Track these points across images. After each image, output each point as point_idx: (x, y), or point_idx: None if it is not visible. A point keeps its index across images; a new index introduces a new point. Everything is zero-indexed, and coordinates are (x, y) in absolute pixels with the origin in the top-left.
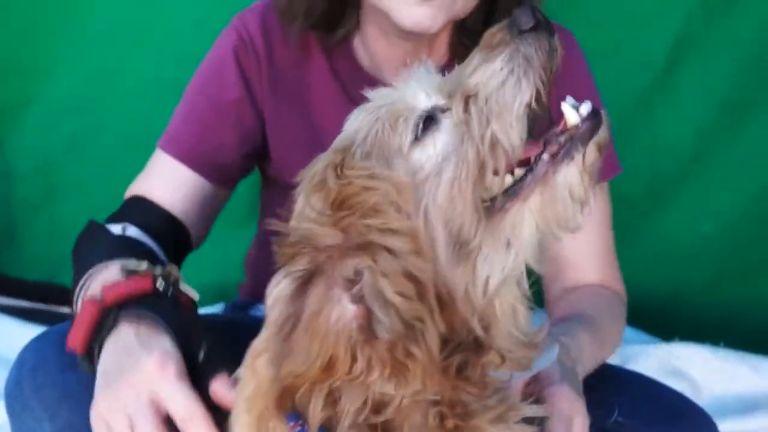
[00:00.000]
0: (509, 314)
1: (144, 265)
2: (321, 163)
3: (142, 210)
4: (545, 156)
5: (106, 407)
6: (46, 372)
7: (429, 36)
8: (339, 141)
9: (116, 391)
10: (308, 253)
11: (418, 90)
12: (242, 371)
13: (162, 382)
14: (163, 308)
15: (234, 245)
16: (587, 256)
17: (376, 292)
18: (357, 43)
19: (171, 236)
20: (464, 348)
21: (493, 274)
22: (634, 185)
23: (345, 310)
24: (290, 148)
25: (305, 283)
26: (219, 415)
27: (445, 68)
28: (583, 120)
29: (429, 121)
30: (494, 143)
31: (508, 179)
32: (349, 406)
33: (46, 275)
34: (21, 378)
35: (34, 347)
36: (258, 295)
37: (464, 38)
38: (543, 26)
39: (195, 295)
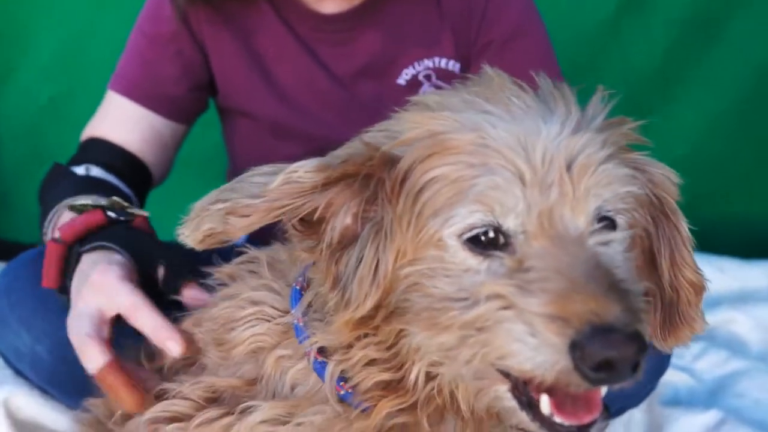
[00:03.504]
0: None
1: (89, 200)
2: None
3: (100, 150)
4: None
5: (68, 331)
6: (18, 290)
7: None
8: None
9: (72, 311)
10: (364, 163)
11: None
12: None
13: (105, 286)
14: (117, 233)
15: None
16: None
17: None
18: None
19: (131, 173)
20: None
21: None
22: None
23: (343, 219)
24: (235, 76)
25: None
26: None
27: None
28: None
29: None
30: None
31: None
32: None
33: (38, 238)
34: None
35: (5, 272)
36: None
37: None
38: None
39: (145, 213)
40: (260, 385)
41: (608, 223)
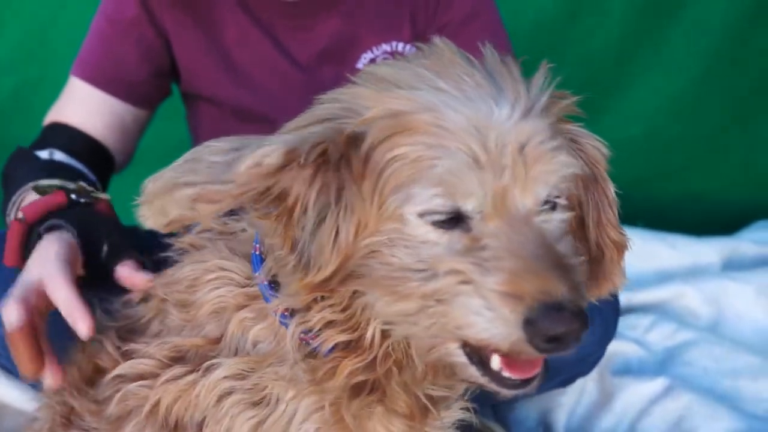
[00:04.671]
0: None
1: (56, 182)
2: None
3: (63, 135)
4: None
5: None
6: None
7: None
8: None
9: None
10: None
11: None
12: None
13: (42, 259)
14: (71, 214)
15: None
16: None
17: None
18: None
19: (94, 157)
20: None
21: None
22: None
23: (302, 186)
24: (197, 62)
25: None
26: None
27: None
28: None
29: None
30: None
31: None
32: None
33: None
34: None
35: None
36: None
37: None
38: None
39: (107, 196)
40: (223, 343)
41: (552, 201)
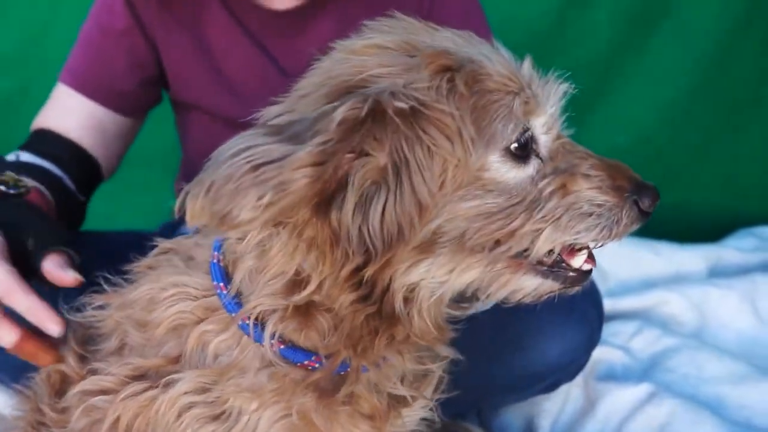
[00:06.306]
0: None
1: None
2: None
3: (44, 140)
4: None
5: None
6: None
7: None
8: None
9: None
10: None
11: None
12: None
13: None
14: None
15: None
16: None
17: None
18: None
19: (74, 162)
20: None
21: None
22: None
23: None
24: (186, 70)
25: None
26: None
27: None
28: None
29: (531, 141)
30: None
31: None
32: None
33: None
34: None
35: None
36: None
37: None
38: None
39: (35, 183)
40: (183, 360)
41: None
